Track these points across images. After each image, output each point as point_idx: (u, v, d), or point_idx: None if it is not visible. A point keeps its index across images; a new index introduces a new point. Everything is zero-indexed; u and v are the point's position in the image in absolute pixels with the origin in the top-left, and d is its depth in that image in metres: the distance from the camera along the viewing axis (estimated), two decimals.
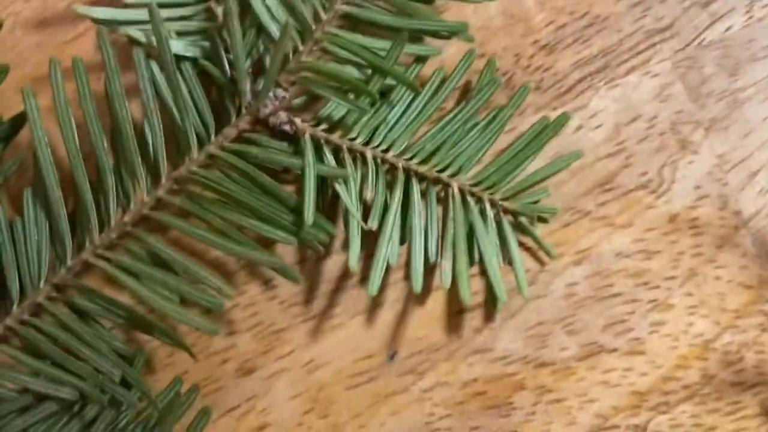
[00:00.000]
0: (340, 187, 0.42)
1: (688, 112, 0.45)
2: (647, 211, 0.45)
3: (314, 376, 0.44)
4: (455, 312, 0.45)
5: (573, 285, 0.44)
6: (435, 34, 0.43)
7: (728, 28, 0.45)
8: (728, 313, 0.44)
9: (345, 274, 0.45)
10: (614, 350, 0.44)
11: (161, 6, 0.42)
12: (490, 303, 0.44)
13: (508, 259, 0.43)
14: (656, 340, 0.44)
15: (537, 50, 0.46)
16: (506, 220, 0.44)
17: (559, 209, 0.44)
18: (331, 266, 0.45)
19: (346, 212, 0.42)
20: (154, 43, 0.41)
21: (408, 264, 0.43)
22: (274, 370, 0.45)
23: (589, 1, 0.46)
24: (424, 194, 0.43)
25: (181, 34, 0.43)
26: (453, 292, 0.43)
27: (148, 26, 0.41)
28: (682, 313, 0.44)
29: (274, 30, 0.42)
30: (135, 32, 0.42)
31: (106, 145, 0.41)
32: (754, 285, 0.44)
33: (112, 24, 0.42)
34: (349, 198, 0.42)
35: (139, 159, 0.41)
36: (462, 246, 0.42)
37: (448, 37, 0.43)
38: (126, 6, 0.43)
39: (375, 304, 0.45)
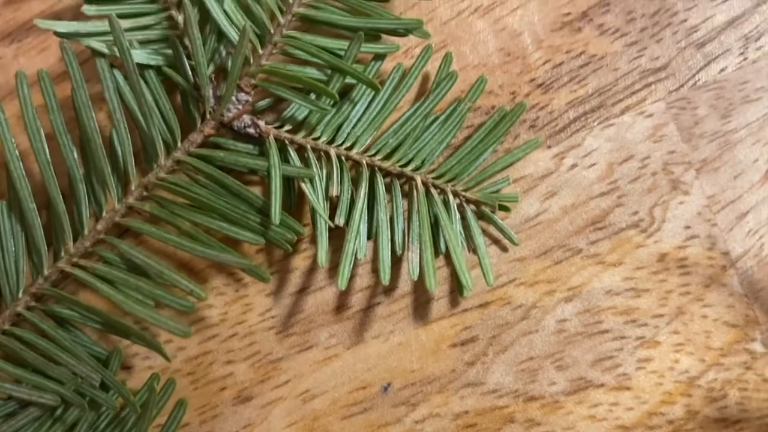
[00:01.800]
0: (306, 187, 0.42)
1: (681, 152, 0.46)
2: (637, 250, 0.45)
3: (310, 405, 0.44)
4: (449, 346, 0.44)
5: (563, 321, 0.44)
6: (392, 32, 0.44)
7: (722, 70, 0.46)
8: (713, 351, 0.44)
9: (341, 305, 0.45)
10: (601, 385, 0.44)
11: (122, 17, 0.43)
12: (457, 292, 0.45)
13: (472, 248, 0.44)
14: (643, 376, 0.44)
15: (533, 88, 0.46)
16: (469, 210, 0.44)
17: (549, 245, 0.45)
18: (328, 297, 0.45)
19: (313, 210, 0.42)
20: (117, 54, 0.41)
21: (375, 257, 0.43)
22: (270, 398, 0.44)
23: (586, 40, 0.46)
24: (389, 188, 0.44)
25: (143, 42, 0.43)
26: (446, 327, 0.44)
27: (111, 37, 0.42)
28: (668, 351, 0.44)
29: (234, 35, 0.42)
30: (97, 44, 0.42)
31: (76, 155, 0.42)
32: (739, 324, 0.44)
33: (74, 37, 0.42)
34: (315, 197, 0.42)
35: (109, 168, 0.42)
36: (427, 237, 0.42)
37: (404, 34, 0.43)
38: (88, 18, 0.43)
39: (370, 336, 0.44)
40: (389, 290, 0.45)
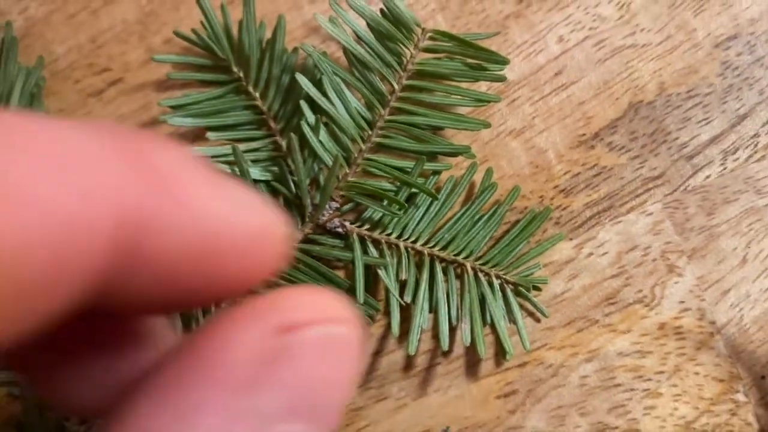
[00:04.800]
0: (381, 272, 0.49)
1: (675, 243, 0.51)
2: (642, 320, 0.51)
3: None
4: (494, 397, 0.51)
5: (585, 377, 0.51)
6: (446, 154, 0.51)
7: (707, 177, 0.52)
8: (705, 401, 0.51)
9: (408, 365, 0.51)
10: (616, 428, 0.51)
11: (237, 140, 0.51)
12: (501, 355, 0.51)
13: (512, 320, 0.50)
14: (648, 420, 0.50)
15: (556, 193, 0.52)
16: (509, 289, 0.50)
17: (572, 317, 0.52)
18: (398, 359, 0.52)
19: (387, 290, 0.49)
20: (238, 174, 0.49)
21: (435, 327, 0.50)
22: None
23: (598, 155, 0.52)
24: (445, 272, 0.50)
25: (254, 161, 0.51)
26: (492, 383, 0.52)
27: (230, 158, 0.49)
28: (668, 400, 0.51)
29: (327, 159, 0.49)
30: (220, 167, 0.50)
31: None
32: (725, 379, 0.51)
33: None
34: (388, 279, 0.49)
35: None
36: (476, 312, 0.49)
37: (456, 155, 0.51)
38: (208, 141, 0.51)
39: (432, 390, 0.51)
40: (447, 353, 0.52)
